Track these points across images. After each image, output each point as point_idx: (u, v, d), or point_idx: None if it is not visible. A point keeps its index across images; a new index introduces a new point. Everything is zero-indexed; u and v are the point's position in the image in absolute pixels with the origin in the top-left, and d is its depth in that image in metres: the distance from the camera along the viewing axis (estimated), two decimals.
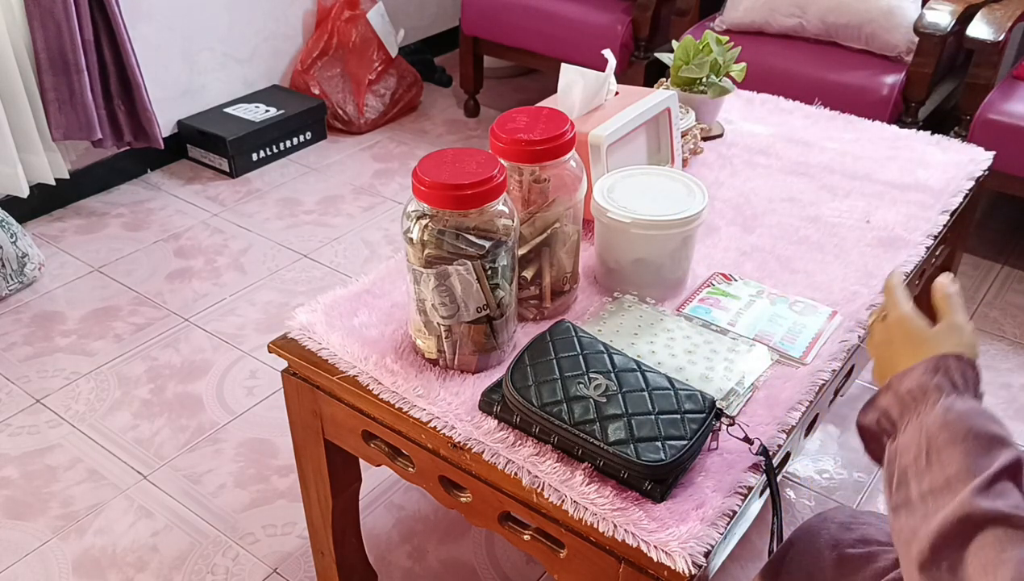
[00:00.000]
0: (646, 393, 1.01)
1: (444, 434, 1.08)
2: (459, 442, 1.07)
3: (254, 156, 2.96)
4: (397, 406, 1.12)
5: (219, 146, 2.89)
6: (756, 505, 1.11)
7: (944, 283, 0.88)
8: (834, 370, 1.18)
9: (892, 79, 2.43)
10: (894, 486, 0.77)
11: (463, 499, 1.13)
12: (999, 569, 0.66)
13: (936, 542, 0.70)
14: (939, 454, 0.74)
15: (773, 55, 2.57)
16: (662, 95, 1.47)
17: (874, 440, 0.84)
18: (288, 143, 3.05)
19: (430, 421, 1.09)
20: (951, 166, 1.67)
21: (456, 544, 1.68)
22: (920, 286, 1.65)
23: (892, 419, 0.80)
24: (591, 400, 1.01)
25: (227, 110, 3.03)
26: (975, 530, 0.68)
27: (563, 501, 0.99)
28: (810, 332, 1.22)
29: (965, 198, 1.61)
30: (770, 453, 1.02)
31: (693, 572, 0.91)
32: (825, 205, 1.54)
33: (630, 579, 0.98)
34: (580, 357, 1.05)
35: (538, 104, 1.30)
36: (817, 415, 1.23)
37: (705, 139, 1.72)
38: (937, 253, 1.65)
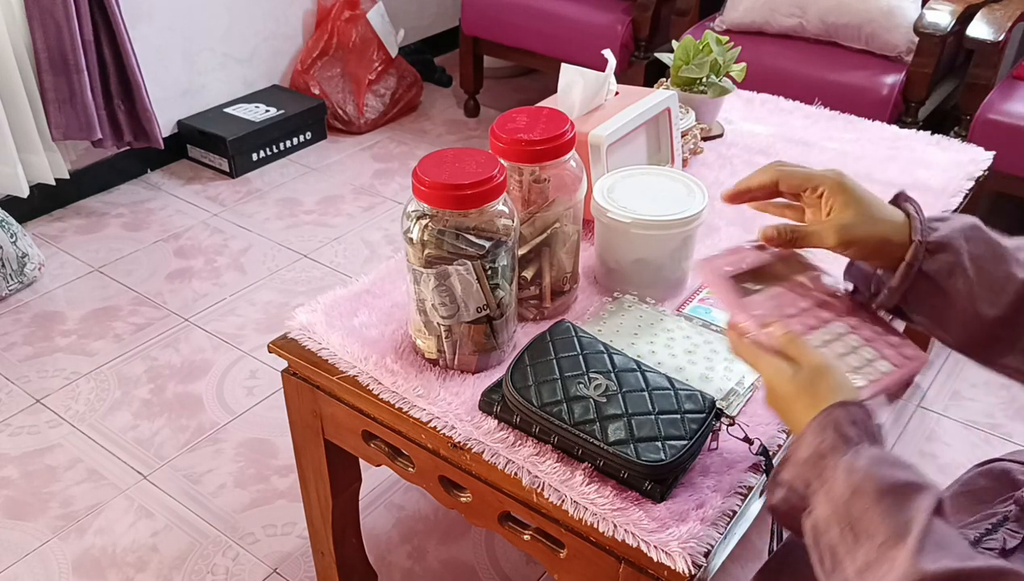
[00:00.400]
0: (646, 393, 1.01)
1: (444, 434, 1.08)
2: (459, 442, 1.07)
3: (254, 156, 2.96)
4: (397, 406, 1.12)
5: (219, 146, 2.89)
6: (756, 505, 1.11)
7: (784, 333, 0.81)
8: None
9: (892, 79, 2.43)
10: (828, 568, 0.72)
11: (463, 499, 1.13)
12: None
13: None
14: (861, 523, 0.69)
15: (773, 55, 2.57)
16: (662, 95, 1.47)
17: (787, 517, 0.78)
18: (288, 143, 3.05)
19: (430, 421, 1.09)
20: (951, 166, 1.67)
21: (456, 544, 1.68)
22: None
23: (800, 493, 0.75)
24: (591, 400, 1.01)
25: (227, 110, 3.03)
26: None
27: (563, 501, 0.99)
28: None
29: (965, 198, 1.61)
30: (770, 453, 1.02)
31: (693, 572, 0.91)
32: None
33: (630, 579, 0.98)
34: (580, 357, 1.05)
35: (538, 104, 1.30)
36: None
37: (705, 139, 1.72)
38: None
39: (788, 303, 0.87)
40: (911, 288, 0.83)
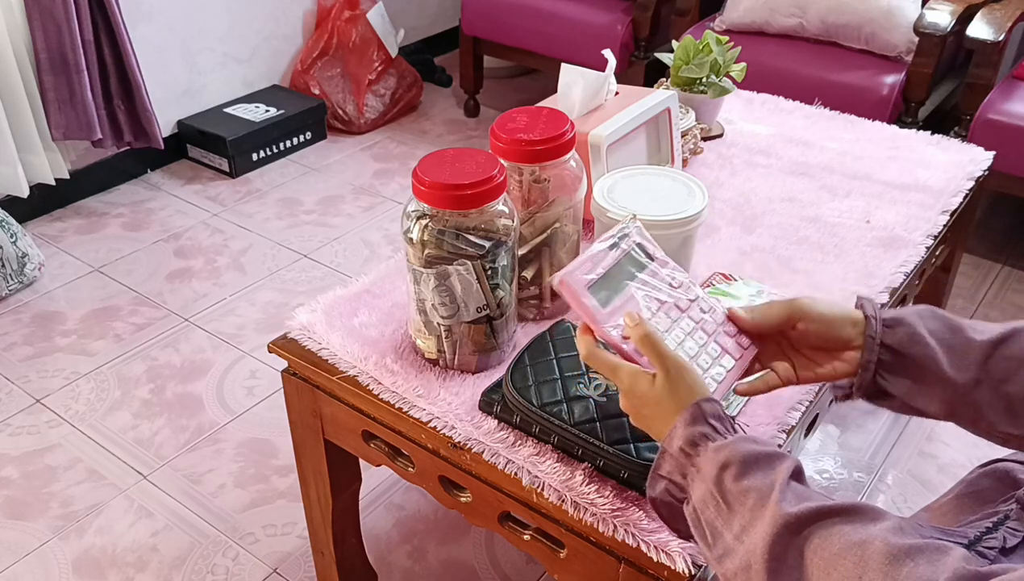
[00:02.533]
0: None
1: (444, 434, 1.08)
2: (459, 442, 1.07)
3: (254, 156, 2.96)
4: (397, 406, 1.12)
5: (219, 146, 2.89)
6: None
7: (636, 325, 0.85)
8: None
9: (892, 79, 2.43)
10: (710, 541, 0.77)
11: (463, 499, 1.13)
12: (838, 563, 0.68)
13: (771, 565, 0.71)
14: (732, 493, 0.75)
15: (773, 55, 2.57)
16: (662, 95, 1.47)
17: (671, 512, 0.83)
18: (288, 143, 3.05)
19: (430, 421, 1.09)
20: (951, 166, 1.67)
21: (456, 544, 1.68)
22: (920, 286, 1.65)
23: (678, 483, 0.81)
24: (591, 400, 1.01)
25: (227, 110, 3.03)
26: (797, 537, 0.70)
27: (563, 501, 0.99)
28: None
29: (965, 198, 1.61)
30: None
31: (693, 572, 0.91)
32: (825, 205, 1.54)
33: (630, 579, 0.98)
34: (580, 357, 1.05)
35: (538, 104, 1.30)
36: (817, 415, 1.23)
37: (705, 139, 1.72)
38: (937, 253, 1.66)
39: (640, 308, 0.91)
40: (880, 364, 0.87)
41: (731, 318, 0.92)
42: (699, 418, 0.80)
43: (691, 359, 0.89)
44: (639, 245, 0.95)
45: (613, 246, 0.93)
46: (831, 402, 1.28)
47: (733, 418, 0.84)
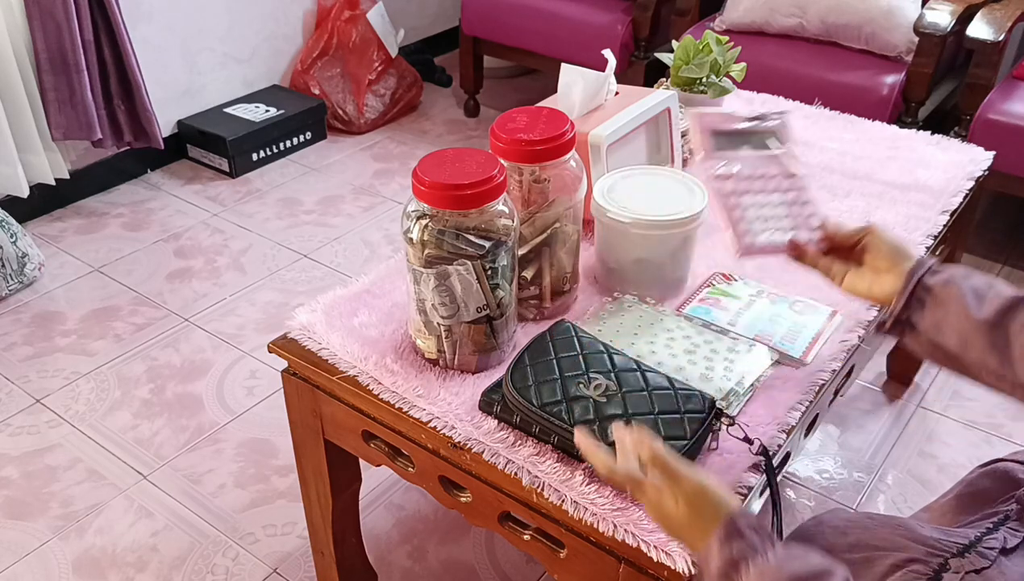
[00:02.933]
0: (646, 393, 1.01)
1: (444, 434, 1.08)
2: (459, 442, 1.07)
3: (254, 156, 2.96)
4: (397, 406, 1.12)
5: (219, 146, 2.89)
6: (756, 505, 1.11)
7: (642, 442, 0.85)
8: (834, 370, 1.18)
9: (892, 79, 2.43)
10: None
11: (463, 499, 1.13)
12: None
13: None
14: None
15: (773, 55, 2.57)
16: (662, 95, 1.47)
17: None
18: (288, 143, 3.05)
19: (430, 421, 1.09)
20: (951, 166, 1.67)
21: (456, 544, 1.68)
22: None
23: None
24: (591, 400, 1.01)
25: (227, 110, 3.03)
26: None
27: (563, 501, 0.99)
28: (810, 332, 1.22)
29: (965, 198, 1.61)
30: (770, 453, 1.02)
31: (693, 572, 0.91)
32: (825, 205, 1.54)
33: (630, 579, 0.98)
34: (580, 357, 1.05)
35: (538, 104, 1.30)
36: (817, 415, 1.23)
37: None
38: (937, 253, 1.65)
39: (751, 172, 1.03)
40: (914, 297, 0.94)
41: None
42: (734, 534, 0.78)
43: (764, 221, 1.02)
44: (774, 130, 1.08)
45: (754, 119, 1.07)
46: (831, 402, 1.29)
47: (765, 523, 0.82)
